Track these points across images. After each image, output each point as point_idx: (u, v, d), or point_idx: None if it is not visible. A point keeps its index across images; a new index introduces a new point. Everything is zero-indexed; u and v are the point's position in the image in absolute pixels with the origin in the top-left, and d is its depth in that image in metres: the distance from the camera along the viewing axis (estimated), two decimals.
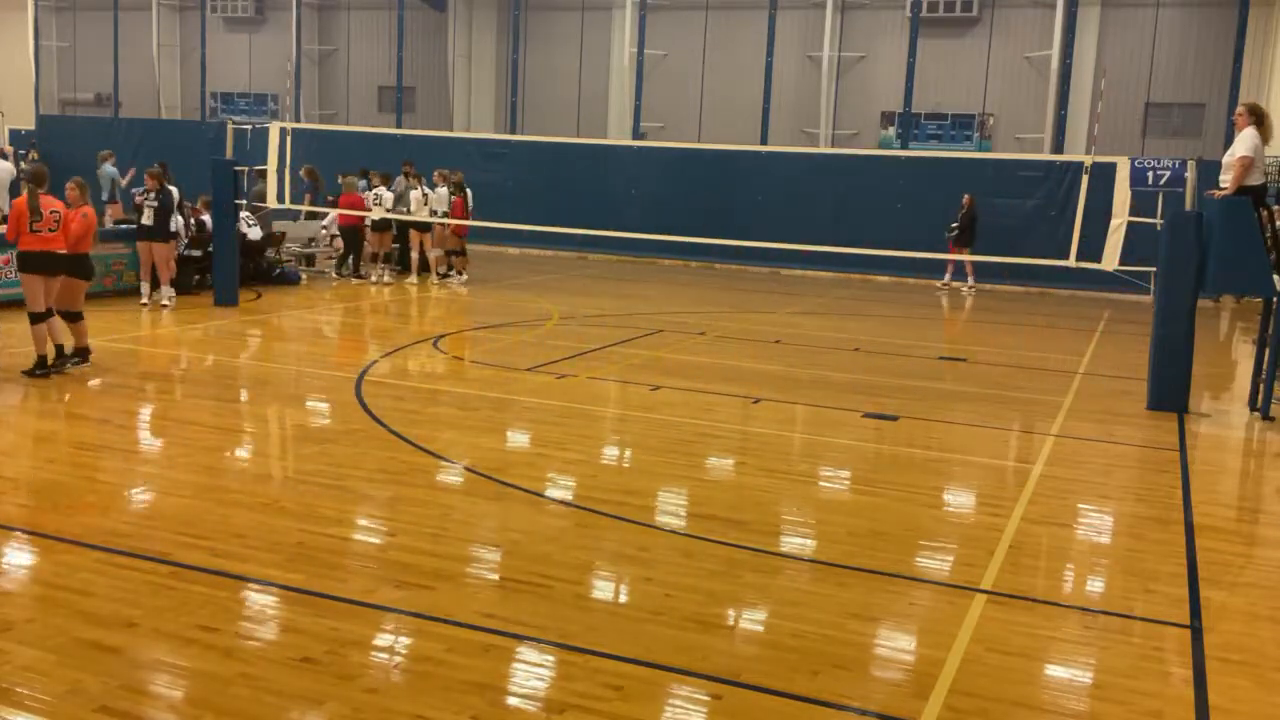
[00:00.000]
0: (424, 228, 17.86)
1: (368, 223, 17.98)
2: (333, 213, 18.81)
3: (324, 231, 19.67)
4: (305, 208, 18.10)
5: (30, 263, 9.68)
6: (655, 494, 7.18)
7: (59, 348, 9.90)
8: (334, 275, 18.56)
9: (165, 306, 14.07)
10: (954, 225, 20.87)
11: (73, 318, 10.05)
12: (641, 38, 26.18)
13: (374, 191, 17.78)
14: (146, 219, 13.89)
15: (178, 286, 14.66)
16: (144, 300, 14.25)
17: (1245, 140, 9.78)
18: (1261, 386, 10.35)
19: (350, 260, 18.45)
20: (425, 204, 17.76)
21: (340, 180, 19.00)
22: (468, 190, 18.45)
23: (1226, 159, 10.02)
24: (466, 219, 17.89)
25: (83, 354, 10.12)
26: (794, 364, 12.42)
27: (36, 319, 9.66)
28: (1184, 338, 10.19)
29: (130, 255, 14.76)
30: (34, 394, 9.22)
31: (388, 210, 17.48)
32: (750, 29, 26.08)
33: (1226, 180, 9.89)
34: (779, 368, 12.12)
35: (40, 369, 9.67)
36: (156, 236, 13.96)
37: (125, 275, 14.91)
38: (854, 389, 11.03)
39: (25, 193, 9.71)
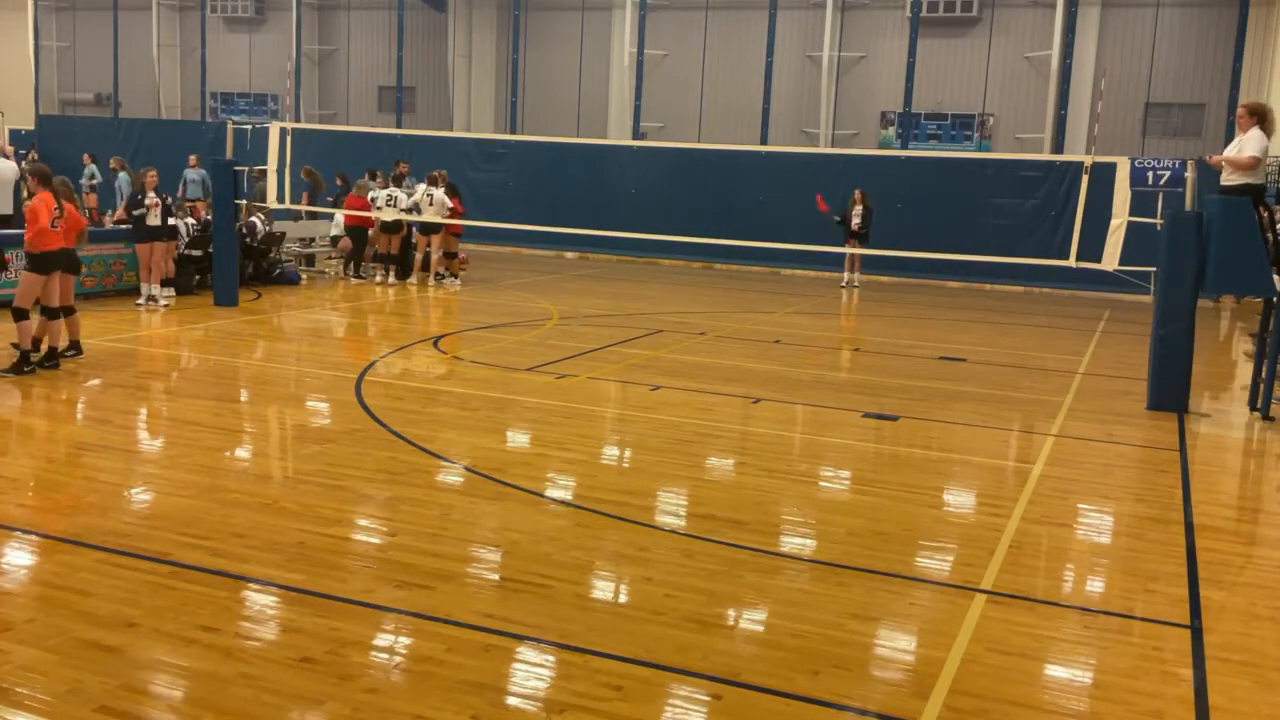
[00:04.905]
0: (434, 229, 17.85)
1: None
2: (339, 213, 18.82)
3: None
4: (304, 207, 18.09)
5: (55, 261, 9.88)
6: (655, 494, 7.17)
7: (52, 347, 10.03)
8: (339, 274, 18.61)
9: (164, 306, 14.08)
10: (857, 221, 20.57)
11: (69, 312, 10.29)
12: (641, 38, 26.18)
13: (384, 193, 17.73)
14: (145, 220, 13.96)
15: (178, 286, 14.69)
16: (139, 301, 14.25)
17: (1256, 140, 9.75)
18: (1261, 386, 10.35)
19: (352, 261, 18.47)
20: (430, 204, 17.75)
21: (339, 181, 18.97)
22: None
23: (1231, 154, 9.98)
24: (462, 217, 17.98)
25: (75, 346, 10.45)
26: (794, 364, 12.42)
27: (25, 315, 9.77)
28: (1184, 338, 10.20)
29: (130, 255, 14.77)
30: (33, 394, 9.23)
31: (402, 211, 17.46)
32: (750, 29, 26.09)
33: (1230, 173, 9.88)
34: (779, 368, 12.11)
35: (27, 365, 9.73)
36: (159, 236, 14.02)
37: (125, 275, 14.93)
38: (854, 389, 11.04)
39: (46, 191, 9.82)
